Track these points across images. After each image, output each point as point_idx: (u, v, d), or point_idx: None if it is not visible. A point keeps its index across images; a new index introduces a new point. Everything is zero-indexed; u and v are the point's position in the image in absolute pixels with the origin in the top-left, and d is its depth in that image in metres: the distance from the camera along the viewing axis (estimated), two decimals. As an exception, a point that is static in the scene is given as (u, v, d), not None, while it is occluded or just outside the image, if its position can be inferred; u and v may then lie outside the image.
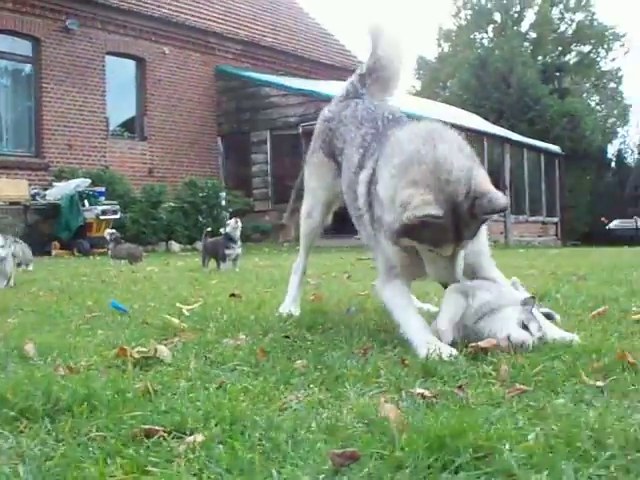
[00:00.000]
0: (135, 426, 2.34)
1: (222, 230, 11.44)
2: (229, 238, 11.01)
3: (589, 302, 5.53)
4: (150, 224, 21.85)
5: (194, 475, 1.97)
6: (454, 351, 3.35)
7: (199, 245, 21.95)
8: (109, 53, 25.13)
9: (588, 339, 3.72)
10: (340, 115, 4.76)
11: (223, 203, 24.44)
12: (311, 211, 5.07)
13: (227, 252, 10.89)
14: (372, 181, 3.93)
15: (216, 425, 2.35)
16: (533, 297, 3.73)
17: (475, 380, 2.91)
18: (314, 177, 5.04)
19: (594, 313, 4.76)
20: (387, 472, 1.94)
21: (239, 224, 11.10)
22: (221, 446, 2.15)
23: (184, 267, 12.25)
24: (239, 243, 11.11)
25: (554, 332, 3.91)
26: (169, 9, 27.02)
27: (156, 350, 3.44)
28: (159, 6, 26.64)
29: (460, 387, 2.71)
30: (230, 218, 12.28)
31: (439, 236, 3.47)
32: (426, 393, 2.64)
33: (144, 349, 3.53)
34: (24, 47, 23.32)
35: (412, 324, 3.74)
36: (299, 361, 3.28)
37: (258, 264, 12.68)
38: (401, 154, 3.62)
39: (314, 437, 2.22)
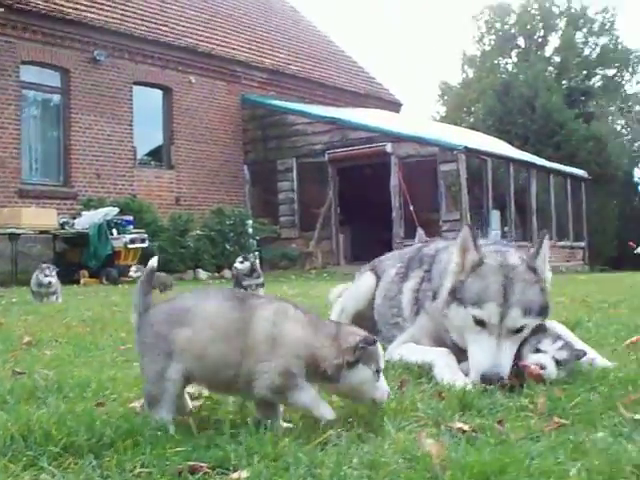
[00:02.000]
0: (179, 462, 2.37)
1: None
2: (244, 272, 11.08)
3: (622, 331, 5.53)
4: (178, 252, 21.92)
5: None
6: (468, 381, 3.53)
7: (227, 273, 22.14)
8: (136, 83, 25.38)
9: (623, 369, 3.72)
10: None
11: (250, 231, 24.47)
12: None
13: (244, 283, 10.89)
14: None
15: (259, 461, 2.37)
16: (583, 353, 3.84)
17: (513, 413, 2.92)
18: None
19: (627, 342, 4.76)
20: (433, 508, 1.96)
21: (245, 263, 11.11)
22: (267, 482, 2.16)
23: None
24: (256, 274, 11.11)
25: (591, 353, 4.01)
26: (195, 38, 27.28)
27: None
28: (185, 36, 26.91)
29: (500, 422, 2.72)
30: (248, 252, 12.28)
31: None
32: (465, 427, 2.64)
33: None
34: (53, 78, 23.60)
35: (437, 359, 3.93)
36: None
37: (286, 292, 12.68)
38: None
39: (358, 473, 2.24)
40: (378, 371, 2.94)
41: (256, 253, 11.67)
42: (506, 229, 27.01)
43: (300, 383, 2.78)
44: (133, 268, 14.21)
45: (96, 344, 5.64)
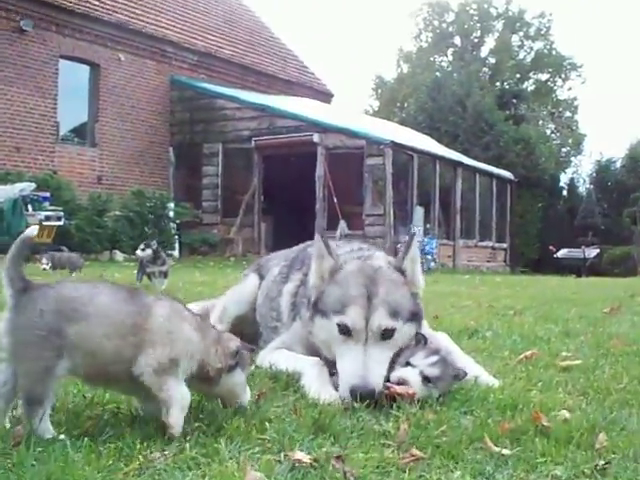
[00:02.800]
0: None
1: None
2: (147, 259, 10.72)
3: (520, 343, 5.38)
4: (95, 232, 21.46)
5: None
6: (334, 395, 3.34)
7: (143, 256, 21.73)
8: (63, 57, 24.79)
9: (507, 388, 3.57)
10: None
11: (171, 214, 24.15)
12: None
13: (148, 270, 10.57)
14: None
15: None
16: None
17: (370, 440, 2.69)
18: None
19: (521, 357, 4.61)
20: None
21: (147, 251, 10.61)
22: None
23: (118, 280, 11.89)
24: (160, 261, 10.65)
25: (475, 371, 3.82)
26: (126, 15, 26.75)
27: None
28: (116, 12, 26.37)
29: (339, 457, 2.40)
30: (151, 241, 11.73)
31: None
32: (305, 459, 2.37)
33: None
34: (-25, 46, 22.90)
35: (307, 369, 3.73)
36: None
37: (194, 280, 12.39)
38: None
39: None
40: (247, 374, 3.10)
41: (155, 241, 11.06)
42: (429, 226, 27.00)
43: (180, 376, 2.73)
44: (44, 260, 13.52)
45: None
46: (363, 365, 3.43)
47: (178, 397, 2.70)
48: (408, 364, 3.44)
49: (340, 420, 2.92)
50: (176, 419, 2.66)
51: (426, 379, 3.35)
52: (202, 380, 2.85)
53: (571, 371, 4.31)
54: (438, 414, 3.03)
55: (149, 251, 10.48)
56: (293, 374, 3.75)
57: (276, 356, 4.04)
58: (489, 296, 10.91)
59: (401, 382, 3.33)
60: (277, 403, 3.24)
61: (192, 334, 2.79)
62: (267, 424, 2.83)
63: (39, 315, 2.57)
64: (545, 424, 2.87)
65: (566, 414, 3.05)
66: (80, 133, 26.29)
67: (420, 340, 3.66)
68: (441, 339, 4.15)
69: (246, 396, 3.05)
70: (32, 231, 2.85)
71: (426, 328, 3.92)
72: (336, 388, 3.44)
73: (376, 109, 56.54)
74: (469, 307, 8.38)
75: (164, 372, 2.67)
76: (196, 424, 2.77)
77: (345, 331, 3.56)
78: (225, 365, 2.86)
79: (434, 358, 3.48)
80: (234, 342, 2.96)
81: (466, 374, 3.60)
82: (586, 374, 4.17)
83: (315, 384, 3.49)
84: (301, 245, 5.03)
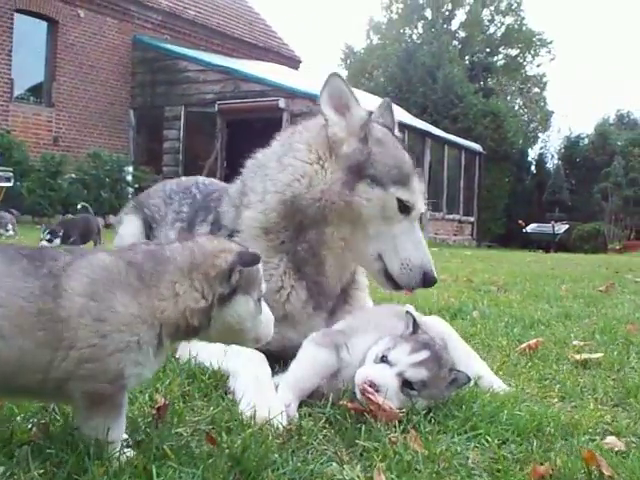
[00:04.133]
0: None
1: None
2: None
3: (515, 326, 4.62)
4: (47, 195, 20.59)
5: None
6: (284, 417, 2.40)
7: (99, 221, 20.94)
8: (18, 11, 23.75)
9: (521, 397, 2.76)
10: None
11: (129, 178, 23.31)
12: None
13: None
14: None
15: None
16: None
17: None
18: None
19: (523, 346, 3.83)
20: None
21: (55, 241, 10.03)
22: None
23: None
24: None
25: (477, 369, 3.05)
26: (87, -30, 25.66)
27: None
28: (76, -34, 25.29)
29: None
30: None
31: None
32: None
33: None
34: None
35: (241, 368, 2.80)
36: None
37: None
38: None
39: None
40: (260, 299, 2.11)
41: (61, 227, 10.50)
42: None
43: (124, 397, 1.96)
44: (10, 227, 12.63)
45: None
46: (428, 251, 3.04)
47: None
48: (384, 360, 2.57)
49: (278, 456, 2.01)
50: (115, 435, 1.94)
51: (407, 384, 2.52)
52: (184, 334, 2.02)
53: (593, 367, 3.48)
54: (428, 444, 2.14)
55: (57, 242, 9.99)
56: (221, 372, 2.88)
57: (199, 345, 2.98)
58: (464, 270, 10.22)
59: (370, 386, 2.49)
60: (187, 421, 2.30)
61: (136, 305, 1.90)
62: (156, 467, 1.85)
63: None
64: (606, 473, 1.96)
65: (617, 442, 2.21)
66: (36, 92, 25.17)
67: (408, 324, 2.76)
68: (435, 325, 3.25)
69: (264, 327, 2.13)
70: None
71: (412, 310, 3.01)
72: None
73: (344, 78, 55.80)
74: (445, 282, 7.62)
75: (98, 397, 1.89)
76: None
77: (404, 209, 3.07)
78: (213, 298, 1.98)
79: (422, 355, 2.59)
80: (224, 256, 2.01)
81: (469, 380, 2.73)
82: (615, 373, 3.35)
83: (252, 390, 2.60)
84: (190, 178, 4.40)
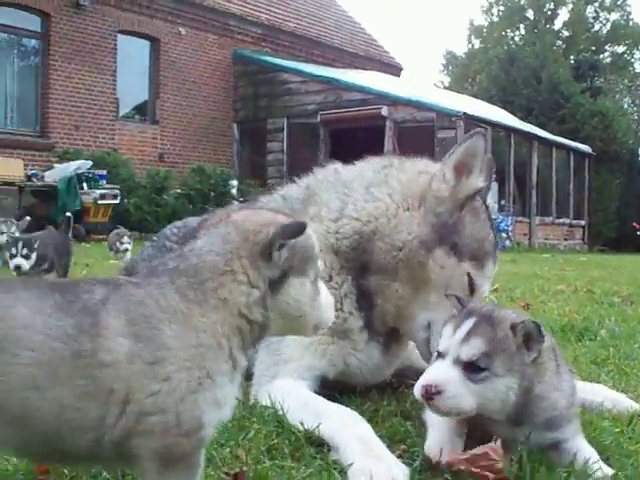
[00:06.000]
0: None
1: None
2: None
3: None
4: (153, 211, 20.77)
5: None
6: None
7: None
8: (122, 32, 24.10)
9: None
10: None
11: (233, 191, 23.36)
12: None
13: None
14: None
15: None
16: None
17: None
18: None
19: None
20: None
21: (31, 259, 7.23)
22: None
23: None
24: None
25: (604, 393, 2.74)
26: (186, -12, 25.91)
27: None
28: (176, -16, 25.57)
29: None
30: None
31: None
32: None
33: None
34: (32, 22, 22.42)
35: (341, 431, 2.45)
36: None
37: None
38: None
39: None
40: (316, 279, 1.84)
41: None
42: (503, 202, 25.87)
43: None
44: (126, 239, 11.68)
45: None
46: None
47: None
48: (439, 355, 2.21)
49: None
50: None
51: (469, 368, 2.14)
52: (255, 337, 1.76)
53: None
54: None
55: (32, 259, 7.29)
56: (320, 435, 2.49)
57: (282, 393, 2.72)
58: (582, 279, 9.50)
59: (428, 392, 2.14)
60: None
61: (191, 332, 1.64)
62: None
63: None
64: None
65: None
66: (141, 110, 25.58)
67: (454, 306, 2.38)
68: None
69: (324, 311, 1.85)
70: None
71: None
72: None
73: (447, 85, 55.34)
74: (563, 293, 7.08)
75: (172, 455, 1.62)
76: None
77: (470, 288, 2.84)
78: (264, 284, 1.73)
79: (467, 325, 2.20)
80: (266, 229, 1.74)
81: (539, 327, 2.19)
82: None
83: (359, 453, 2.24)
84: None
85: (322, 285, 1.87)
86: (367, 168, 3.30)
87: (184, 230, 3.81)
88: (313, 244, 1.82)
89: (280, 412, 2.63)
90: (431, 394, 2.12)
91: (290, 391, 2.69)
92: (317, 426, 2.48)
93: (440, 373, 2.16)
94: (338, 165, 3.41)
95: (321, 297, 1.85)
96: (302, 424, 2.54)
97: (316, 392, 2.82)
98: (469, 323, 2.19)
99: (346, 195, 3.17)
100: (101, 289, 1.69)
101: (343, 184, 3.23)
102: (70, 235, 8.47)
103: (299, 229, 1.73)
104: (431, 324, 2.94)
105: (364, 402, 2.82)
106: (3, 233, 9.33)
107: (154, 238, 4.04)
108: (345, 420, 2.50)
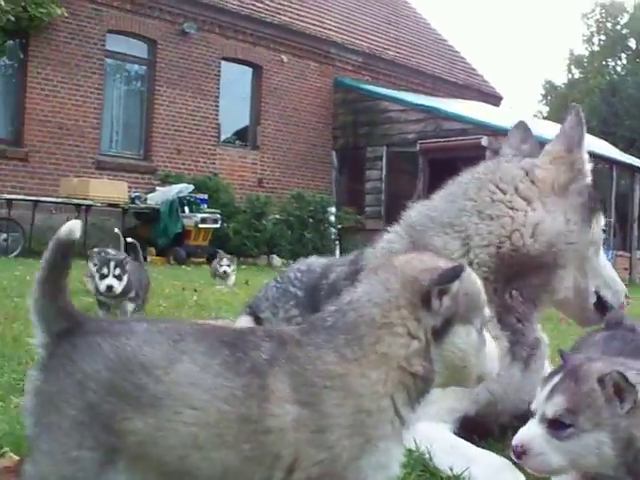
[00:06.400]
0: None
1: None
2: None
3: None
4: (252, 236, 20.97)
5: None
6: None
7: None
8: (225, 59, 24.51)
9: None
10: None
11: (332, 219, 23.44)
12: None
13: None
14: None
15: None
16: None
17: None
18: None
19: None
20: None
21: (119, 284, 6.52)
22: None
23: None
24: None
25: None
26: (289, 16, 26.24)
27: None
28: (279, 13, 25.90)
29: None
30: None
31: None
32: None
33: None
34: (139, 48, 22.98)
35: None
36: None
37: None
38: None
39: None
40: (482, 327, 1.78)
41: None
42: (604, 236, 25.35)
43: None
44: (225, 261, 11.50)
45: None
46: None
47: None
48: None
49: None
50: None
51: (553, 425, 2.10)
52: (420, 392, 1.71)
53: None
54: None
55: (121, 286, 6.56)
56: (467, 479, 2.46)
57: (427, 437, 2.62)
58: None
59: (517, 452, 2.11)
60: None
61: (351, 399, 1.60)
62: None
63: (77, 385, 1.55)
64: None
65: None
66: (241, 136, 25.87)
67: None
68: None
69: (489, 360, 1.80)
70: (72, 228, 1.70)
71: None
72: None
73: (545, 114, 54.71)
74: None
75: None
76: None
77: None
78: (424, 334, 1.68)
79: (553, 381, 2.18)
80: (425, 275, 1.70)
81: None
82: None
83: None
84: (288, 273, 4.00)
85: (487, 334, 1.83)
86: (459, 196, 3.25)
87: (308, 276, 3.78)
88: (479, 290, 1.77)
89: (426, 456, 2.60)
90: (519, 453, 2.12)
91: (435, 435, 2.65)
92: (465, 470, 2.45)
93: (527, 432, 2.15)
94: (421, 208, 3.36)
95: (486, 347, 1.80)
96: (451, 469, 2.51)
97: (456, 434, 2.79)
98: (556, 379, 2.17)
99: (459, 231, 3.12)
100: (268, 345, 1.67)
101: (448, 224, 3.17)
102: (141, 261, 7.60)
103: (456, 274, 1.69)
104: (598, 286, 3.18)
105: (504, 447, 2.74)
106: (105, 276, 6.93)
107: (278, 279, 4.01)
108: (496, 466, 2.47)
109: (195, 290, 9.47)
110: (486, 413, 2.87)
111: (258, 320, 3.89)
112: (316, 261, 3.95)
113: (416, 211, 3.32)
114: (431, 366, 1.70)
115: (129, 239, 7.78)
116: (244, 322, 3.94)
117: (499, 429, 3.02)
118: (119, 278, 6.45)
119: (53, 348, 1.63)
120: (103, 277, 6.47)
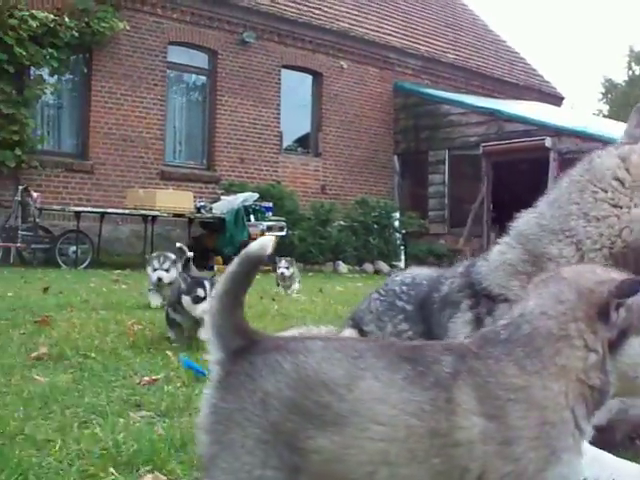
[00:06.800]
0: None
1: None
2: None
3: None
4: (317, 243, 21.00)
5: None
6: None
7: (368, 267, 21.09)
8: (285, 67, 24.62)
9: None
10: None
11: (396, 224, 23.40)
12: None
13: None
14: None
15: None
16: None
17: None
18: None
19: None
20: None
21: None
22: None
23: (341, 296, 10.82)
24: None
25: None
26: (348, 23, 26.26)
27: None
28: (338, 20, 25.94)
29: None
30: None
31: None
32: None
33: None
34: (200, 59, 23.16)
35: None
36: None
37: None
38: None
39: None
40: None
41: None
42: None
43: None
44: (283, 263, 11.28)
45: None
46: None
47: None
48: None
49: None
50: None
51: None
52: (596, 404, 1.67)
53: None
54: None
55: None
56: None
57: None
58: None
59: None
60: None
61: (535, 409, 1.58)
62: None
63: (260, 404, 1.55)
64: None
65: None
66: (303, 143, 25.96)
67: None
68: None
69: None
70: (265, 244, 1.72)
71: None
72: None
73: (606, 113, 54.06)
74: None
75: None
76: None
77: None
78: (601, 346, 1.64)
79: None
80: (602, 287, 1.66)
81: None
82: None
83: None
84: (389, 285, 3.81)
85: None
86: (564, 201, 3.15)
87: (416, 289, 3.70)
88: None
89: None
90: None
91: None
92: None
93: None
94: (528, 217, 3.29)
95: None
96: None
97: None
98: None
99: (570, 237, 3.06)
100: (448, 358, 1.64)
101: (559, 230, 3.11)
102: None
103: (635, 287, 1.65)
104: None
105: (635, 455, 2.64)
106: (156, 270, 7.60)
107: (381, 292, 3.94)
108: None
109: (273, 299, 9.46)
110: (616, 421, 2.80)
111: (362, 333, 3.83)
112: (420, 273, 3.87)
113: (524, 220, 3.22)
114: (607, 378, 1.67)
115: (189, 253, 7.32)
116: (348, 334, 3.90)
117: (624, 438, 2.95)
118: (167, 270, 7.32)
119: (230, 366, 1.62)
120: (154, 270, 7.49)
